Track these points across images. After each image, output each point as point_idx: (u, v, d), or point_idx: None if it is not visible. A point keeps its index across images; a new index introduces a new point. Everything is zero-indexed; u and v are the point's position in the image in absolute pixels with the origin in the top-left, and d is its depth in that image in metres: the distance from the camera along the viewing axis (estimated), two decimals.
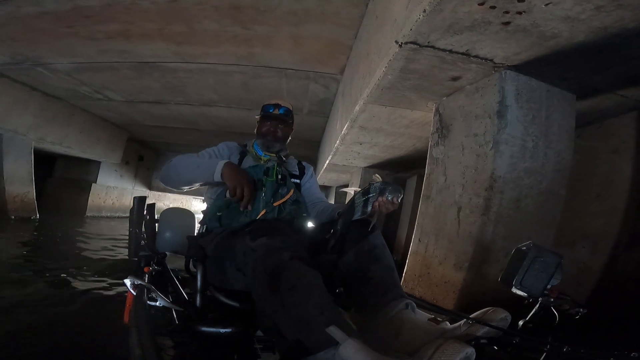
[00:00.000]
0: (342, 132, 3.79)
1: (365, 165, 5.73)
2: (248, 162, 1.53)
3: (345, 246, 1.20)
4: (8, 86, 5.81)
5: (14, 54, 4.59)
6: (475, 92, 2.01)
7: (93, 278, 3.52)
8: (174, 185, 1.46)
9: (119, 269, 3.93)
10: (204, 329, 1.09)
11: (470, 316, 0.97)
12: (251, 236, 1.08)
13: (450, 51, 1.70)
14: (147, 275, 1.42)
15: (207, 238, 1.37)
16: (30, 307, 2.49)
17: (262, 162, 1.52)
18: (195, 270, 1.27)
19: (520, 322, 1.01)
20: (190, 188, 1.47)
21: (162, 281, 1.45)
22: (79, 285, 3.23)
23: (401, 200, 1.22)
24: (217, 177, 1.31)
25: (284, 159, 1.58)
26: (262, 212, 1.36)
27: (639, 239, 2.19)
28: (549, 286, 0.98)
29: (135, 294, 1.24)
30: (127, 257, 1.64)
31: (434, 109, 2.43)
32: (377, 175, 1.24)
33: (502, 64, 1.76)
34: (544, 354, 0.86)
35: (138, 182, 12.45)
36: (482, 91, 1.94)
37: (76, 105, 7.26)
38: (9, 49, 4.42)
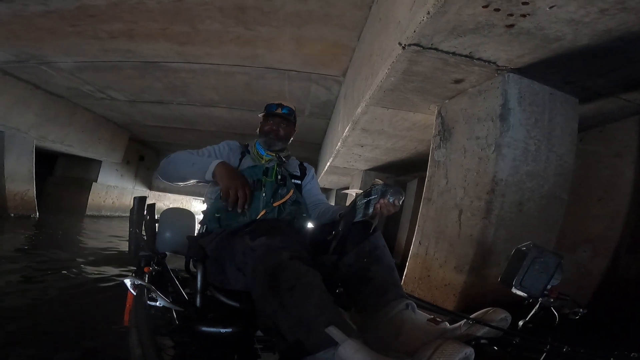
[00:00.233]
0: (344, 134, 3.79)
1: (366, 168, 5.73)
2: (247, 162, 1.53)
3: (346, 247, 1.20)
4: (11, 84, 5.84)
5: (18, 52, 4.62)
6: (478, 94, 2.01)
7: (89, 277, 3.52)
8: (170, 179, 1.47)
9: (118, 269, 3.93)
10: (204, 329, 1.09)
11: (471, 316, 0.96)
12: (251, 236, 1.08)
13: (454, 53, 1.70)
14: (147, 275, 1.41)
15: (207, 238, 1.36)
16: (28, 306, 2.49)
17: (262, 162, 1.52)
18: (195, 270, 1.26)
19: (520, 323, 1.01)
20: (185, 184, 1.48)
21: (162, 281, 1.44)
22: (76, 283, 3.22)
23: (402, 202, 1.21)
24: (208, 176, 1.32)
25: (284, 159, 1.58)
26: (262, 213, 1.36)
27: None
28: (549, 286, 0.98)
29: (135, 294, 1.24)
30: (124, 254, 1.64)
31: (436, 111, 2.43)
32: (378, 179, 1.25)
33: (505, 66, 1.77)
34: (544, 354, 0.86)
35: (138, 181, 12.47)
36: (485, 94, 1.94)
37: (78, 104, 7.29)
38: (14, 47, 4.44)
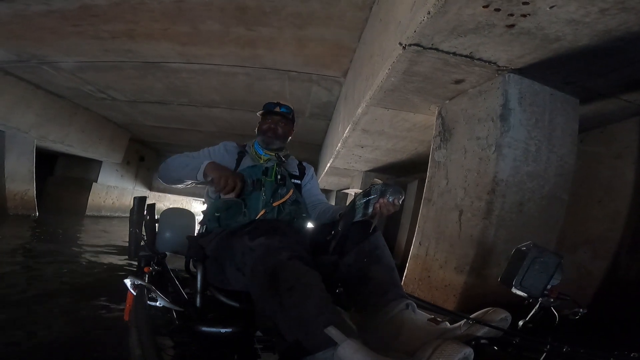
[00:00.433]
0: (344, 134, 3.79)
1: (367, 169, 5.73)
2: (247, 162, 1.53)
3: (346, 247, 1.20)
4: (12, 84, 5.84)
5: (20, 52, 4.62)
6: (478, 95, 2.01)
7: (88, 276, 3.52)
8: (168, 181, 1.52)
9: (116, 268, 3.93)
10: (204, 329, 1.08)
11: (471, 316, 0.96)
12: (250, 236, 1.08)
13: (454, 54, 1.70)
14: (147, 275, 1.41)
15: (207, 238, 1.36)
16: (28, 306, 2.49)
17: (261, 161, 1.52)
18: (195, 270, 1.26)
19: (520, 323, 1.01)
20: (184, 185, 1.52)
21: (162, 281, 1.44)
22: (76, 282, 3.22)
23: (402, 202, 1.21)
24: (200, 176, 1.36)
25: (284, 159, 1.58)
26: (262, 212, 1.36)
27: None
28: (548, 286, 0.98)
29: (135, 294, 1.23)
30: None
31: (436, 112, 2.43)
32: (377, 180, 1.24)
33: (505, 67, 1.77)
34: (544, 354, 0.86)
35: (139, 182, 12.47)
36: (486, 94, 1.94)
37: (79, 104, 7.29)
38: (15, 47, 4.45)
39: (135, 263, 1.57)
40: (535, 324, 0.99)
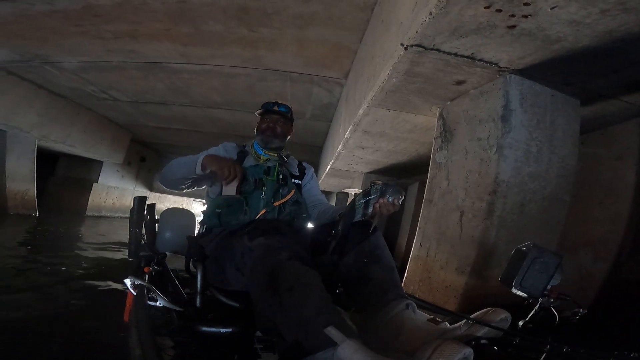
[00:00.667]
0: (345, 136, 3.79)
1: (367, 170, 5.72)
2: (249, 161, 1.53)
3: (346, 247, 1.20)
4: (15, 84, 5.86)
5: (23, 51, 4.64)
6: (479, 96, 2.01)
7: (88, 276, 3.52)
8: (169, 185, 1.52)
9: (116, 267, 3.93)
10: (204, 329, 1.08)
11: (471, 317, 0.96)
12: (249, 236, 1.08)
13: (455, 54, 1.70)
14: (147, 275, 1.41)
15: (207, 238, 1.36)
16: (27, 305, 2.49)
17: (262, 161, 1.52)
18: (195, 270, 1.26)
19: (520, 323, 1.01)
20: (187, 187, 1.52)
21: (162, 281, 1.44)
22: (75, 281, 3.22)
23: (402, 202, 1.21)
24: (198, 170, 1.36)
25: (285, 159, 1.58)
26: (262, 212, 1.36)
27: None
28: (549, 286, 0.98)
29: (135, 294, 1.23)
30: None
31: (437, 113, 2.43)
32: (376, 181, 1.24)
33: (506, 68, 1.77)
34: (544, 354, 0.85)
35: (139, 183, 12.48)
36: (487, 95, 1.94)
37: (81, 105, 7.31)
38: (18, 46, 4.46)
39: (134, 263, 1.56)
40: (535, 324, 0.99)
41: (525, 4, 1.28)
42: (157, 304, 1.17)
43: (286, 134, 1.63)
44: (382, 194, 1.17)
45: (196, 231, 1.64)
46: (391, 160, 4.73)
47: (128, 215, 1.65)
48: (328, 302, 0.89)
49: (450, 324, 0.98)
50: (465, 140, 2.06)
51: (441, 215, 2.13)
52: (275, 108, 1.59)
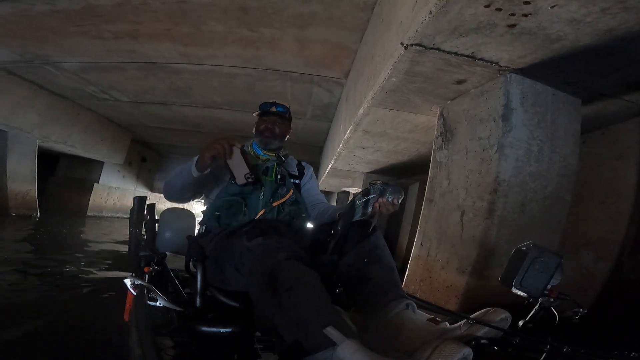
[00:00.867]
0: (346, 135, 3.79)
1: (368, 170, 5.72)
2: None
3: (346, 247, 1.20)
4: (16, 84, 5.87)
5: (23, 52, 4.65)
6: (480, 95, 2.00)
7: (88, 275, 3.52)
8: (174, 198, 1.48)
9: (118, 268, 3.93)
10: (204, 329, 1.09)
11: (471, 316, 0.96)
12: (248, 236, 1.08)
13: (456, 54, 1.70)
14: (147, 275, 1.41)
15: (207, 238, 1.36)
16: (27, 304, 2.49)
17: (260, 161, 1.52)
18: (195, 270, 1.26)
19: (520, 323, 1.01)
20: (192, 195, 1.48)
21: (162, 281, 1.44)
22: (75, 281, 3.23)
23: (402, 201, 1.20)
24: (194, 171, 1.29)
25: (284, 158, 1.57)
26: (261, 212, 1.35)
27: None
28: (549, 286, 0.97)
29: (135, 294, 1.23)
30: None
31: (438, 112, 2.43)
32: (376, 181, 1.24)
33: (507, 67, 1.76)
34: (544, 354, 0.85)
35: (140, 183, 12.50)
36: (487, 94, 1.94)
37: (82, 105, 7.32)
38: (19, 47, 4.47)
39: (134, 263, 1.56)
40: (535, 324, 0.98)
41: (525, 3, 1.28)
42: (157, 304, 1.17)
43: (285, 134, 1.62)
44: (382, 194, 1.17)
45: (196, 231, 1.63)
46: (392, 160, 4.72)
47: (129, 215, 1.66)
48: (327, 302, 0.89)
49: (450, 324, 0.98)
50: (465, 139, 2.06)
51: (442, 214, 2.13)
52: (273, 109, 1.57)
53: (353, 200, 1.22)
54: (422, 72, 1.94)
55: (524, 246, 1.02)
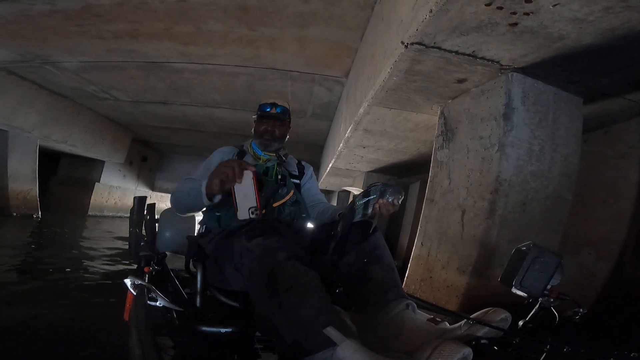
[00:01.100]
0: (346, 135, 3.78)
1: (368, 169, 5.71)
2: (247, 161, 1.51)
3: (346, 247, 1.19)
4: (16, 84, 5.88)
5: (24, 52, 4.65)
6: (481, 94, 1.99)
7: (88, 275, 3.52)
8: (183, 213, 1.42)
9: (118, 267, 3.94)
10: (204, 329, 1.08)
11: (471, 316, 0.96)
12: (247, 236, 1.07)
13: (457, 52, 1.69)
14: (147, 275, 1.41)
15: (207, 238, 1.36)
16: (28, 303, 2.49)
17: (261, 161, 1.51)
18: (195, 270, 1.26)
19: (521, 323, 1.01)
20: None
21: (162, 281, 1.44)
22: (75, 281, 3.23)
23: (402, 201, 1.20)
24: (206, 201, 1.20)
25: (284, 158, 1.57)
26: (262, 212, 1.35)
27: None
28: (549, 286, 0.97)
29: (135, 294, 1.23)
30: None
31: (439, 111, 2.42)
32: (376, 182, 1.24)
33: (508, 66, 1.75)
34: (544, 354, 0.85)
35: (141, 182, 12.52)
36: (488, 93, 1.93)
37: (82, 105, 7.33)
38: (19, 46, 4.48)
39: (135, 263, 1.56)
40: (535, 324, 0.98)
41: (527, 2, 1.27)
42: (157, 304, 1.17)
43: (285, 135, 1.60)
44: (382, 194, 1.16)
45: (196, 231, 1.63)
46: (392, 159, 4.72)
47: (129, 215, 1.66)
48: (327, 302, 0.89)
49: (450, 324, 0.98)
50: (466, 138, 2.05)
51: (442, 214, 2.12)
52: (273, 110, 1.55)
53: (353, 201, 1.22)
54: (423, 71, 1.93)
55: (524, 246, 1.02)
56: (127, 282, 1.26)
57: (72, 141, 7.88)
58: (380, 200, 1.16)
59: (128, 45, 4.07)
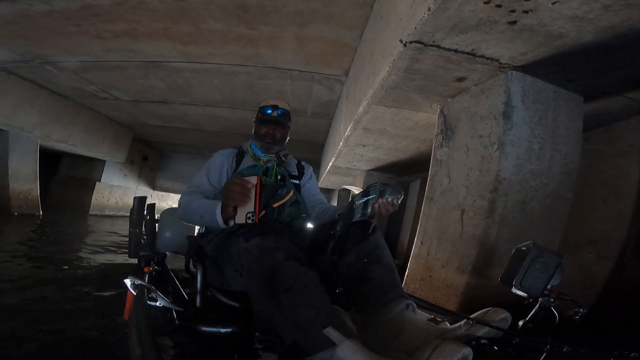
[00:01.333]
0: (346, 133, 3.78)
1: (369, 168, 5.71)
2: (247, 162, 1.51)
3: (346, 247, 1.19)
4: (16, 84, 5.88)
5: (24, 52, 4.65)
6: (480, 93, 1.99)
7: (89, 275, 3.53)
8: (191, 224, 1.44)
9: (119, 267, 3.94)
10: (204, 329, 1.08)
11: (471, 316, 0.96)
12: (245, 237, 1.07)
13: (456, 51, 1.68)
14: (147, 275, 1.41)
15: (207, 238, 1.36)
16: (29, 304, 2.50)
17: (261, 162, 1.51)
18: (195, 270, 1.26)
19: (521, 323, 1.01)
20: None
21: (162, 281, 1.44)
22: (76, 281, 3.24)
23: (401, 201, 1.20)
24: (222, 226, 1.19)
25: (284, 159, 1.56)
26: (262, 214, 1.34)
27: None
28: (549, 286, 0.97)
29: (135, 293, 1.23)
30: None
31: (438, 110, 2.41)
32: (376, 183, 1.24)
33: (508, 64, 1.75)
34: (544, 354, 0.85)
35: (142, 181, 12.53)
36: (488, 92, 1.93)
37: (82, 104, 7.33)
38: (18, 46, 4.48)
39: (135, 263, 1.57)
40: (535, 324, 0.98)
41: None
42: (157, 304, 1.17)
43: (285, 137, 1.59)
44: (381, 194, 1.16)
45: (196, 231, 1.63)
46: (392, 158, 4.71)
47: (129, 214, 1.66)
48: (327, 302, 0.89)
49: (450, 324, 0.98)
50: (466, 137, 2.05)
51: (442, 213, 2.12)
52: (274, 113, 1.54)
53: (352, 201, 1.21)
54: (422, 69, 1.93)
55: (524, 246, 1.02)
56: (127, 282, 1.26)
57: (73, 141, 7.89)
58: (380, 200, 1.16)
59: (127, 45, 4.06)
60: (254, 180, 1.13)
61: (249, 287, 1.01)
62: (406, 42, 1.64)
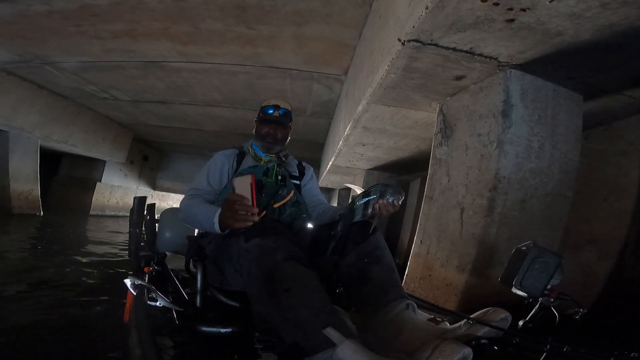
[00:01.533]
0: (346, 132, 3.78)
1: (369, 167, 5.71)
2: (248, 162, 1.51)
3: (346, 247, 1.20)
4: (16, 85, 5.89)
5: (23, 52, 4.66)
6: (479, 91, 1.98)
7: (89, 275, 3.54)
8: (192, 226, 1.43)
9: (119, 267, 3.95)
10: (204, 329, 1.09)
11: (471, 316, 0.96)
12: (245, 237, 1.07)
13: (454, 49, 1.68)
14: (147, 275, 1.41)
15: (207, 238, 1.36)
16: (29, 303, 2.51)
17: (262, 162, 1.51)
18: (195, 270, 1.26)
19: (521, 322, 1.01)
20: None
21: (162, 281, 1.44)
22: (76, 280, 3.24)
23: (402, 202, 1.20)
24: (217, 230, 1.19)
25: (284, 159, 1.56)
26: (262, 214, 1.35)
27: None
28: (549, 286, 0.98)
29: (135, 294, 1.24)
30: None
31: (437, 109, 2.41)
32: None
33: (506, 62, 1.74)
34: (544, 354, 0.85)
35: (142, 181, 12.53)
36: (487, 90, 1.92)
37: (82, 104, 7.34)
38: (18, 47, 4.48)
39: (134, 263, 1.57)
40: (535, 324, 0.98)
41: None
42: (157, 304, 1.18)
43: (286, 137, 1.60)
44: (382, 195, 1.16)
45: (196, 231, 1.64)
46: (392, 157, 4.71)
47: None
48: (326, 302, 0.89)
49: (450, 324, 0.98)
50: (465, 136, 2.04)
51: (442, 212, 2.12)
52: (276, 114, 1.54)
53: (353, 201, 1.22)
54: (421, 68, 1.92)
55: (524, 246, 1.02)
56: (127, 282, 1.26)
57: (73, 141, 7.89)
58: (380, 201, 1.16)
59: (126, 45, 4.06)
60: (249, 179, 1.13)
61: (249, 287, 1.01)
62: (404, 40, 1.64)
